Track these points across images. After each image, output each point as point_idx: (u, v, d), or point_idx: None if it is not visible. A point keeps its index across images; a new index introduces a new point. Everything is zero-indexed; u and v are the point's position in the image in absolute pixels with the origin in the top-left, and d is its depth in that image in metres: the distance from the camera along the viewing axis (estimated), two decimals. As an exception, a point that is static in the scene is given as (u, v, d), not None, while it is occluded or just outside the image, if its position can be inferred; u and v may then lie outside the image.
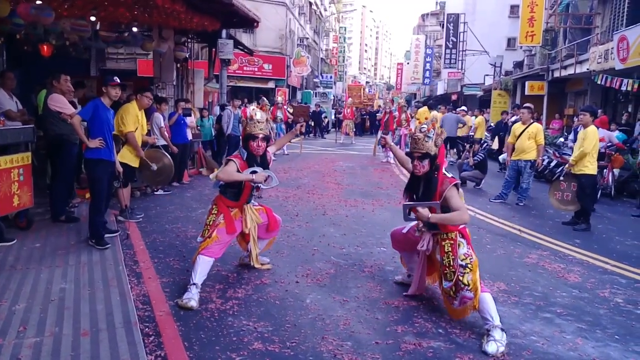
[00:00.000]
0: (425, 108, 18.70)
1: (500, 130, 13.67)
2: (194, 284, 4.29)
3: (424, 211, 4.00)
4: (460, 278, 3.88)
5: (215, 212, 4.60)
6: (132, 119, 6.53)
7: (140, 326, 3.68)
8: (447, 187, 3.99)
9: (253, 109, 4.80)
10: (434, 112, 16.95)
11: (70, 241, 5.58)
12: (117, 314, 3.81)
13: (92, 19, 8.80)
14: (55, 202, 6.32)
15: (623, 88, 13.29)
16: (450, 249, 3.99)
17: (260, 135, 4.58)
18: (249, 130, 4.59)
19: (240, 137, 4.91)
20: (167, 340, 3.58)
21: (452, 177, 4.09)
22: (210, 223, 4.55)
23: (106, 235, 5.55)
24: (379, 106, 27.31)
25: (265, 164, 4.72)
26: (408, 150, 4.23)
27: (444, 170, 4.08)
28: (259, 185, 4.68)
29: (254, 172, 4.51)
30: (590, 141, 7.30)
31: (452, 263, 3.94)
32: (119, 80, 5.52)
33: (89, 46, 11.69)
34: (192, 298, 4.19)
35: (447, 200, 3.99)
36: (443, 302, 4.21)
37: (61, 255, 5.11)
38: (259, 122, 4.63)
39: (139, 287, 4.53)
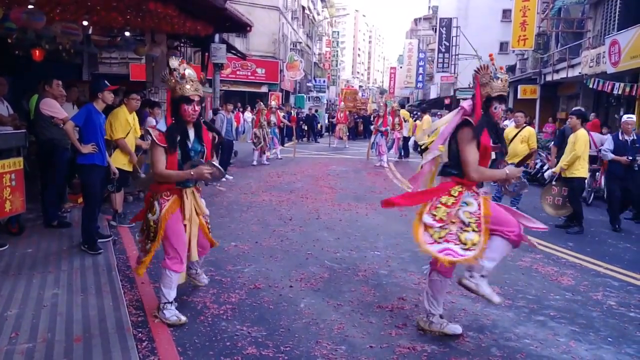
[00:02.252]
0: (403, 110, 19.79)
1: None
2: (170, 302, 3.91)
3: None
4: (459, 234, 3.61)
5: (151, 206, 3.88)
6: (121, 124, 6.42)
7: (133, 331, 3.66)
8: None
9: (183, 67, 3.77)
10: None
11: (62, 246, 5.54)
12: (110, 319, 3.78)
13: (85, 23, 8.77)
14: (47, 207, 6.28)
15: (615, 92, 13.38)
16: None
17: (196, 98, 3.72)
18: (180, 92, 3.68)
19: (166, 103, 3.92)
20: (160, 345, 3.56)
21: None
22: (151, 220, 3.85)
23: (99, 241, 5.52)
24: (373, 110, 27.38)
25: (200, 138, 3.86)
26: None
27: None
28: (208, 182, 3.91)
29: (194, 165, 3.76)
30: (581, 144, 7.36)
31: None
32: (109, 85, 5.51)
33: (81, 51, 11.65)
34: (177, 315, 3.89)
35: None
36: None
37: (53, 260, 5.07)
38: (192, 81, 3.72)
39: (132, 292, 4.51)
